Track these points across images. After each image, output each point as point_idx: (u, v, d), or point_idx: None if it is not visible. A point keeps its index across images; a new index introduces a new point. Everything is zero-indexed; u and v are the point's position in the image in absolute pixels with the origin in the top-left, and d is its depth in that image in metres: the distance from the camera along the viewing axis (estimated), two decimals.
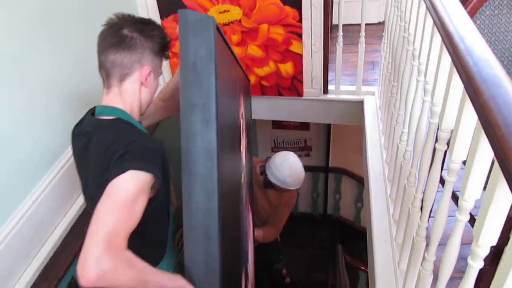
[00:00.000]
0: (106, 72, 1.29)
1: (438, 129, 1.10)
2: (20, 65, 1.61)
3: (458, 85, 0.94)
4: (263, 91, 2.75)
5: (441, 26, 1.03)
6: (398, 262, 1.54)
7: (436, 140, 1.11)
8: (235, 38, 2.56)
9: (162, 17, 2.56)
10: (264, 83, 2.72)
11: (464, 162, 0.95)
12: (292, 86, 2.69)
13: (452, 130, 0.99)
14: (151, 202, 1.17)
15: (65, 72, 1.88)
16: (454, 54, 0.91)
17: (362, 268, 4.08)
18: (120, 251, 1.00)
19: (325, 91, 2.72)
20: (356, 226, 5.23)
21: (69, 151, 1.84)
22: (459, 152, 0.94)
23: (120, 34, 1.25)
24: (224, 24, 2.52)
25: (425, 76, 1.30)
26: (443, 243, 1.09)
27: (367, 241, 2.08)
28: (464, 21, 0.98)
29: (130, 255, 1.03)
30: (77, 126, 1.36)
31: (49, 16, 1.77)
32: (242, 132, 1.96)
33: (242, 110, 1.96)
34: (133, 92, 1.30)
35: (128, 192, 1.06)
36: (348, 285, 3.69)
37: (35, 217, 1.67)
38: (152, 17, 2.50)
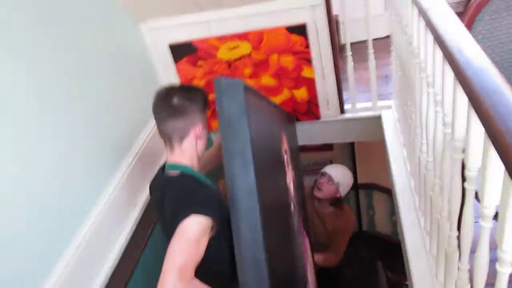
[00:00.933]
0: (167, 136, 1.62)
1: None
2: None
3: (463, 96, 0.96)
4: None
5: (440, 41, 1.06)
6: (436, 274, 1.53)
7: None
8: (247, 71, 2.64)
9: (176, 61, 2.66)
10: None
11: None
12: (308, 111, 2.74)
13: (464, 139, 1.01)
14: (212, 240, 1.44)
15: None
16: (455, 67, 0.94)
17: (406, 283, 4.00)
18: (190, 279, 1.28)
19: (342, 111, 2.75)
20: (393, 240, 5.14)
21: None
22: (473, 160, 0.96)
23: (172, 104, 1.57)
24: (235, 60, 2.60)
25: (433, 87, 1.33)
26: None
27: (403, 255, 2.07)
28: (461, 34, 1.01)
29: (197, 282, 1.32)
30: (153, 181, 1.74)
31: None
32: (288, 166, 2.22)
33: (285, 146, 2.21)
34: (191, 148, 1.63)
35: (193, 232, 1.36)
36: None
37: (75, 272, 1.72)
38: (166, 60, 2.64)
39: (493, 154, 0.79)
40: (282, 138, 2.19)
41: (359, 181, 5.07)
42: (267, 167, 1.74)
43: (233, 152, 1.41)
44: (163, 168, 1.69)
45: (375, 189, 5.01)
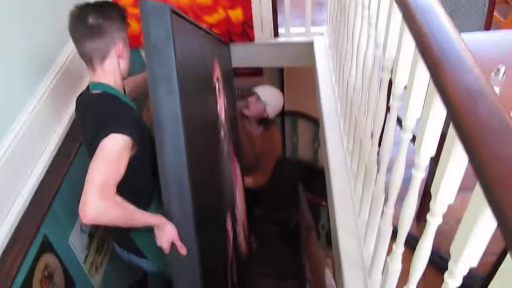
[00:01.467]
0: (87, 58, 1.57)
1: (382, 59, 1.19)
2: None
3: (398, 16, 1.01)
4: None
5: None
6: (354, 188, 1.67)
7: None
8: None
9: None
10: (215, 30, 2.72)
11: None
12: (243, 32, 2.72)
13: (393, 59, 1.08)
14: (132, 160, 1.46)
15: None
16: None
17: (323, 204, 4.30)
18: (111, 196, 1.31)
19: (276, 34, 2.76)
20: (314, 166, 5.43)
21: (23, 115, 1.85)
22: (401, 78, 1.03)
23: (88, 24, 1.51)
24: None
25: (368, 10, 1.37)
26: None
27: (325, 174, 2.21)
28: None
29: (119, 199, 1.34)
30: (77, 99, 1.70)
31: None
32: (219, 93, 2.23)
33: (217, 74, 2.19)
34: (113, 68, 1.60)
35: (113, 150, 1.37)
36: (312, 221, 3.89)
37: (1, 179, 1.67)
38: None
39: (420, 69, 0.86)
40: (214, 65, 2.17)
41: (285, 108, 5.20)
42: (195, 93, 1.74)
43: (159, 77, 1.43)
44: (87, 87, 1.66)
45: (300, 116, 5.18)
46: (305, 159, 5.54)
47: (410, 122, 0.97)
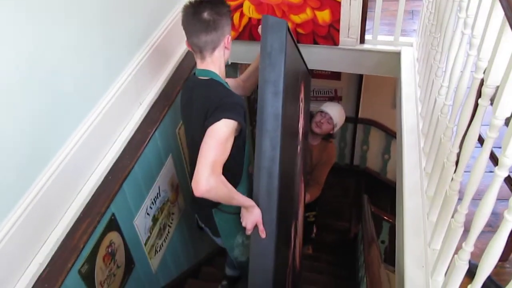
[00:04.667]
0: (200, 49, 1.75)
1: (482, 84, 1.09)
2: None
3: (509, 40, 0.92)
4: (299, 39, 2.71)
5: None
6: (428, 214, 1.57)
7: (479, 96, 1.11)
8: None
9: None
10: (300, 30, 2.68)
11: (506, 121, 0.95)
12: (328, 35, 2.65)
13: (497, 86, 0.99)
14: (234, 140, 1.68)
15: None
16: (508, 8, 0.89)
17: (386, 218, 4.15)
18: (219, 174, 1.55)
19: (362, 40, 2.67)
20: (381, 178, 5.26)
21: (107, 96, 1.93)
22: (503, 108, 0.94)
23: (204, 20, 1.69)
24: None
25: (472, 29, 1.27)
26: (474, 198, 1.13)
27: (397, 192, 2.12)
28: None
29: (223, 178, 1.58)
30: (184, 82, 1.94)
31: None
32: (301, 112, 2.44)
33: (302, 95, 2.43)
34: (220, 57, 1.79)
35: (223, 134, 1.60)
36: (375, 233, 3.77)
37: (79, 156, 1.75)
38: None
39: None
40: (301, 86, 2.41)
41: (359, 115, 5.07)
42: (290, 102, 2.00)
43: (269, 80, 1.66)
44: (194, 73, 1.86)
45: (373, 125, 5.03)
46: (373, 170, 5.39)
47: (509, 161, 0.88)
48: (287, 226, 2.13)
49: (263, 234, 1.70)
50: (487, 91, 1.06)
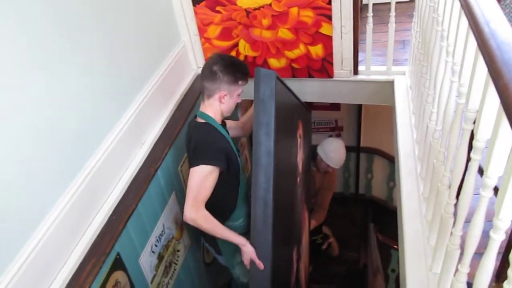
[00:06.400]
0: (202, 91, 2.10)
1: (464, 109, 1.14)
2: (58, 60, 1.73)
3: (483, 68, 0.97)
4: (294, 74, 2.80)
5: (467, 9, 1.06)
6: (427, 238, 1.59)
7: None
8: (265, 22, 2.61)
9: (194, 4, 2.63)
10: (294, 65, 2.77)
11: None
12: (322, 68, 2.73)
13: (477, 110, 1.03)
14: (220, 177, 1.99)
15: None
16: (479, 38, 0.94)
17: (395, 246, 4.11)
18: (199, 208, 1.92)
19: (356, 72, 2.74)
20: (388, 205, 5.24)
21: (109, 139, 2.00)
22: (484, 131, 0.98)
23: (211, 69, 2.02)
24: (255, 9, 2.57)
25: (453, 57, 1.33)
26: (470, 220, 1.15)
27: (398, 219, 2.13)
28: (489, 4, 1.01)
29: (206, 213, 1.94)
30: (188, 123, 2.22)
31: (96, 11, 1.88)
32: (300, 147, 2.69)
33: (300, 131, 2.70)
34: (215, 106, 2.08)
35: (201, 176, 1.94)
36: (380, 263, 3.74)
37: (83, 198, 1.79)
38: (184, 3, 2.61)
39: (504, 127, 0.82)
40: (299, 124, 2.68)
41: (362, 144, 5.11)
42: (284, 140, 2.23)
43: (261, 123, 1.94)
44: (195, 115, 2.16)
45: (376, 153, 5.05)
46: (379, 198, 5.37)
47: (491, 181, 0.92)
48: (287, 249, 2.34)
49: (260, 266, 1.94)
50: (469, 115, 1.11)
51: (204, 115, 2.09)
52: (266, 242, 1.94)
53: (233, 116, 2.68)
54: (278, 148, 1.97)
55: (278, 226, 2.00)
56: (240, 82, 2.09)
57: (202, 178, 1.93)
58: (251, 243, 1.99)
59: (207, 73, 2.03)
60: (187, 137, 2.17)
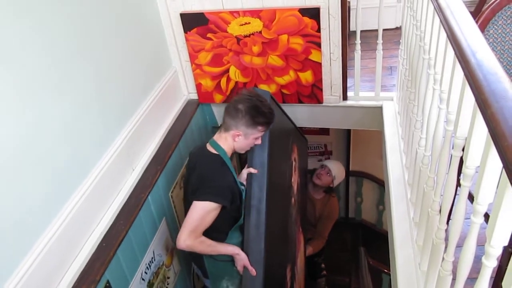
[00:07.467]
0: (223, 122, 2.09)
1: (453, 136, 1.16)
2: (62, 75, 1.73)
3: (470, 96, 1.00)
4: (284, 99, 2.83)
5: (453, 40, 1.09)
6: (419, 264, 1.59)
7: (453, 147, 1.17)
8: (256, 49, 2.65)
9: (186, 31, 2.67)
10: (284, 91, 2.80)
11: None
12: (312, 94, 2.77)
13: (466, 137, 1.06)
14: (225, 208, 1.99)
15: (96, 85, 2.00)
16: (466, 68, 0.97)
17: (386, 271, 4.10)
18: (197, 238, 1.95)
19: (345, 97, 2.79)
20: (378, 229, 5.24)
21: (100, 165, 1.99)
22: (473, 158, 1.00)
23: (235, 106, 2.00)
24: (245, 36, 2.61)
25: (440, 85, 1.36)
26: (461, 245, 1.16)
27: (389, 244, 2.13)
28: (475, 35, 1.04)
29: (203, 238, 1.97)
30: (195, 148, 2.24)
31: (84, 31, 1.90)
32: (295, 170, 2.81)
33: (295, 155, 2.80)
34: (229, 141, 2.07)
35: (204, 211, 1.94)
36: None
37: (73, 224, 1.78)
38: (176, 29, 2.64)
39: (493, 155, 0.84)
40: (293, 147, 2.80)
41: (351, 168, 5.14)
42: (279, 157, 2.33)
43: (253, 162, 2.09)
44: (206, 143, 2.14)
45: (365, 177, 5.08)
46: (369, 221, 5.38)
47: (482, 207, 0.93)
48: (280, 261, 2.42)
49: (253, 272, 2.03)
50: (458, 142, 1.13)
51: (217, 146, 2.06)
52: (259, 249, 2.02)
53: None
54: (272, 163, 2.06)
55: (270, 236, 2.09)
56: (259, 128, 2.03)
57: (205, 213, 1.93)
58: (244, 250, 2.06)
59: (231, 109, 2.01)
60: (191, 163, 2.16)
